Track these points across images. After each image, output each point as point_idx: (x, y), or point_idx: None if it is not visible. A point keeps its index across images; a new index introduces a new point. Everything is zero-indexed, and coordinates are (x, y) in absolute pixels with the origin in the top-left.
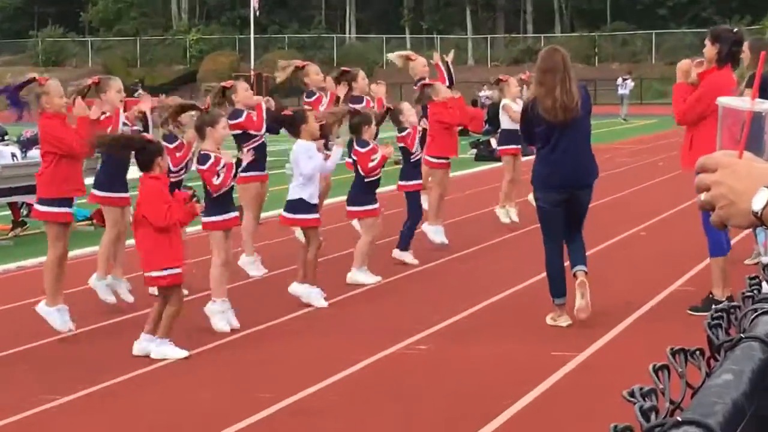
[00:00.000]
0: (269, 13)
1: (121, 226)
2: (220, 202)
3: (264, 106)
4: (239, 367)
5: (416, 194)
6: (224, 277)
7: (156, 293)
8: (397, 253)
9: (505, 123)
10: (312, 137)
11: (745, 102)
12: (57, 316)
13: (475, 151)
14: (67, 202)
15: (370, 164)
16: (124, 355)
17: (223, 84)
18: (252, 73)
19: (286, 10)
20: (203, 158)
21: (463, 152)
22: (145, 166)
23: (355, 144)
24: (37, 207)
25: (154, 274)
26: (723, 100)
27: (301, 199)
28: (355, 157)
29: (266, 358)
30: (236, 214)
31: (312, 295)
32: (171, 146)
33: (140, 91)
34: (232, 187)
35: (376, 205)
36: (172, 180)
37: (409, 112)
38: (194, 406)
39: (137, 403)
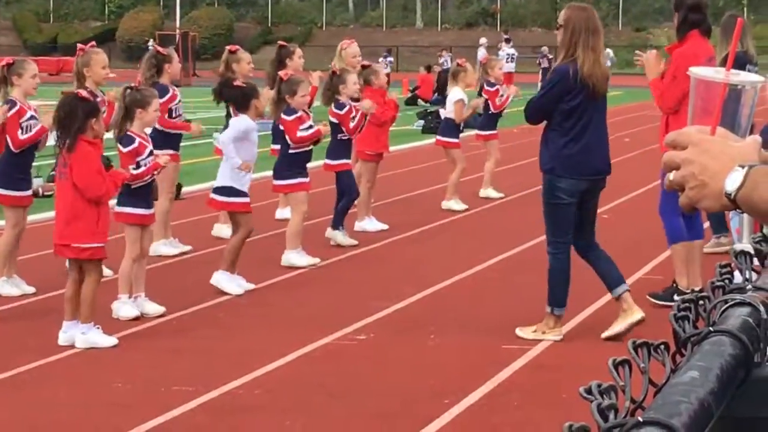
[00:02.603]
0: None
1: (22, 227)
2: (137, 192)
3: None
4: (156, 357)
5: (346, 173)
6: (134, 272)
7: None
8: (329, 232)
9: (451, 113)
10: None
11: (719, 73)
12: None
13: (422, 122)
14: None
15: (299, 133)
16: (31, 342)
17: (158, 49)
18: (177, 32)
19: None
20: (126, 140)
21: (408, 123)
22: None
23: (281, 112)
24: None
25: (75, 245)
26: (695, 71)
27: (231, 187)
28: (281, 126)
29: (186, 347)
30: (153, 211)
31: (229, 283)
32: None
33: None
34: (151, 182)
35: (306, 179)
36: None
37: (351, 86)
38: (106, 399)
39: (44, 394)
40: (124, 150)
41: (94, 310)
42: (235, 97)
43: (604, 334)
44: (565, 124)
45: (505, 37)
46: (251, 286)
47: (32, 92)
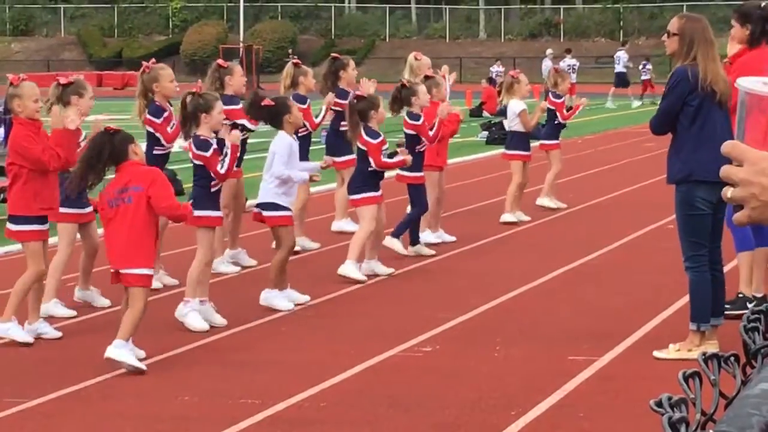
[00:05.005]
0: None
1: (90, 246)
2: (215, 196)
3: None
4: (222, 370)
5: (419, 186)
6: (205, 277)
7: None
8: (388, 240)
9: (516, 125)
10: (295, 128)
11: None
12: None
13: (486, 133)
14: (41, 219)
15: (384, 158)
16: (97, 356)
17: (219, 62)
18: (241, 45)
19: None
20: (203, 144)
21: (473, 134)
22: (119, 158)
23: (363, 133)
24: (9, 226)
25: (124, 271)
26: (743, 83)
27: (275, 203)
28: (364, 148)
29: (252, 360)
30: (221, 213)
31: (276, 300)
32: (159, 121)
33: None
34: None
35: (378, 192)
36: (159, 153)
37: (423, 96)
38: (172, 412)
39: (111, 407)
40: (208, 154)
41: (133, 332)
42: (266, 117)
43: (660, 355)
44: (692, 128)
45: (566, 48)
46: (306, 299)
47: (88, 113)
